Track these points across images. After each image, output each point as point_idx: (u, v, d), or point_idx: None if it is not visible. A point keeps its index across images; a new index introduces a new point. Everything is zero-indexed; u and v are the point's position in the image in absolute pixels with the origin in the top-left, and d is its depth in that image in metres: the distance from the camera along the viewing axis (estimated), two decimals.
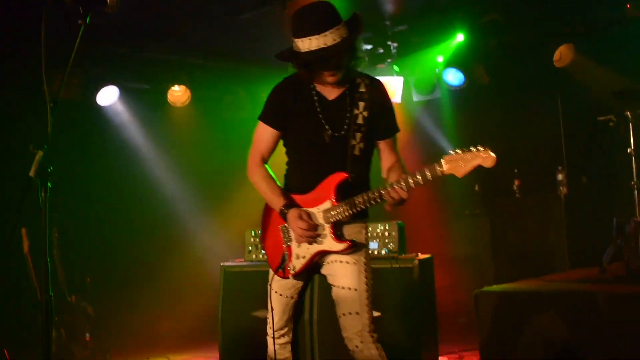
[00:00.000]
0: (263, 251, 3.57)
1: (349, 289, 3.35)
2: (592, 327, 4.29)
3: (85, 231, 7.42)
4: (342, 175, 3.33)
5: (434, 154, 8.34)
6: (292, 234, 3.40)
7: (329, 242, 3.35)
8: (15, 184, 3.23)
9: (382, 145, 3.49)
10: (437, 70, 7.82)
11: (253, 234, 5.76)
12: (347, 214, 3.30)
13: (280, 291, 3.52)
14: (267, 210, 3.55)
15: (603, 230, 6.76)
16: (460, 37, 7.31)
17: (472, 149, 3.04)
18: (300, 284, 3.51)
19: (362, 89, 3.39)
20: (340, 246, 3.34)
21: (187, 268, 7.97)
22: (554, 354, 4.44)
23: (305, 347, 5.24)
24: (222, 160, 8.28)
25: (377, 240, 5.31)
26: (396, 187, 3.15)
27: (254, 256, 5.72)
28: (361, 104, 3.36)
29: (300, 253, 3.39)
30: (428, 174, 3.11)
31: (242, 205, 7.79)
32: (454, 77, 7.65)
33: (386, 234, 5.31)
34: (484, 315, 4.76)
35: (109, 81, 7.41)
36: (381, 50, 7.60)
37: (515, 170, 7.60)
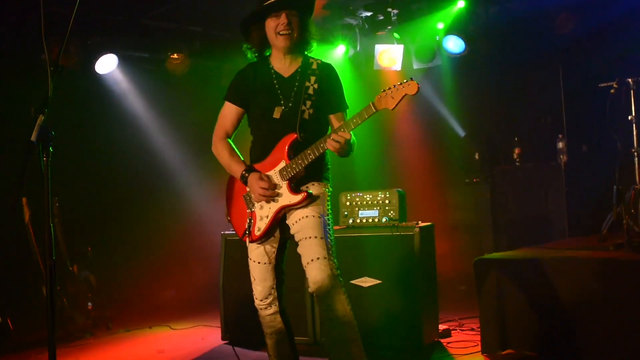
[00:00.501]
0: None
1: (311, 237, 3.57)
2: (592, 294, 4.29)
3: (86, 200, 7.44)
4: (292, 136, 3.63)
5: (435, 123, 8.38)
6: (255, 197, 3.65)
7: (287, 197, 3.62)
8: (16, 150, 3.24)
9: (333, 118, 3.78)
10: (437, 37, 7.76)
11: None
12: (300, 167, 3.58)
13: (257, 259, 3.75)
14: (230, 184, 3.84)
15: (603, 198, 6.77)
16: (461, 4, 7.25)
17: (397, 84, 3.44)
18: (274, 248, 3.74)
19: (314, 67, 3.75)
20: (297, 197, 3.61)
21: (188, 237, 8.00)
22: (553, 321, 4.46)
23: (307, 321, 5.29)
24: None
25: (378, 208, 5.32)
26: (339, 130, 3.49)
27: None
28: (312, 78, 3.70)
29: (264, 214, 3.66)
30: (364, 113, 3.47)
31: None
32: (454, 45, 7.60)
33: (387, 201, 5.33)
34: (484, 282, 4.77)
35: (107, 49, 7.35)
36: (381, 17, 7.54)
37: (516, 139, 7.60)
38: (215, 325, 6.09)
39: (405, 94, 3.40)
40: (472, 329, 5.56)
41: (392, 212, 5.30)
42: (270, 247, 3.73)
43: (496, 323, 4.72)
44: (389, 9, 7.45)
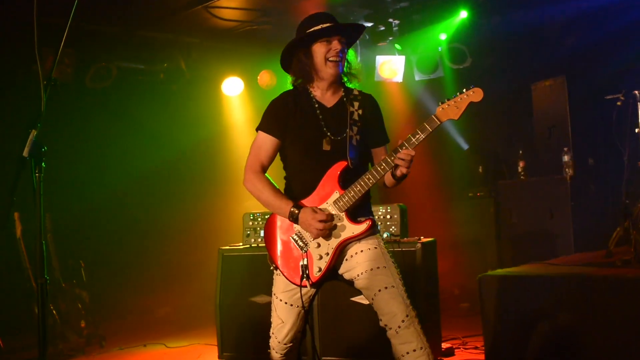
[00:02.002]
0: (276, 268, 3.53)
1: (378, 268, 3.39)
2: (598, 312, 4.28)
3: (79, 216, 7.44)
4: (342, 164, 3.44)
5: (437, 135, 8.36)
6: (308, 237, 3.42)
7: (348, 228, 3.41)
8: (7, 165, 3.23)
9: (377, 151, 3.64)
10: (439, 48, 7.79)
11: (251, 217, 5.79)
12: (358, 195, 3.38)
13: (290, 301, 3.50)
14: (270, 226, 3.55)
15: (610, 213, 6.77)
16: (463, 14, 7.28)
17: (459, 92, 3.33)
18: (312, 291, 3.50)
19: (356, 93, 3.62)
20: (362, 227, 3.41)
21: (184, 253, 8.00)
22: (559, 339, 4.44)
23: (306, 339, 5.26)
24: (221, 142, 8.29)
25: (379, 223, 5.32)
26: (400, 148, 3.30)
27: (252, 240, 5.75)
28: (356, 103, 3.56)
29: (322, 251, 3.41)
30: (427, 126, 3.30)
31: (240, 188, 7.79)
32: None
33: (388, 216, 5.33)
34: (488, 300, 4.76)
35: (102, 61, 7.38)
36: (382, 28, 7.58)
37: (520, 152, 7.59)
38: (212, 343, 6.06)
39: (470, 102, 3.30)
40: (476, 348, 5.54)
41: (393, 227, 5.30)
42: (307, 290, 3.46)
43: (500, 341, 4.70)
44: (390, 20, 7.48)
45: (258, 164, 3.53)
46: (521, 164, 7.52)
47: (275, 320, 3.55)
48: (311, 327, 5.21)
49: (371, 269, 3.38)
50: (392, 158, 3.32)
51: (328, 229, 3.38)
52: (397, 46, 7.86)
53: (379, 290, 3.35)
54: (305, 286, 3.40)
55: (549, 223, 7.06)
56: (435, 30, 7.64)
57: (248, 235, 5.78)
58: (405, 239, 5.26)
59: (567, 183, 6.96)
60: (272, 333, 3.58)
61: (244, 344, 5.54)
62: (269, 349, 3.64)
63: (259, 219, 5.77)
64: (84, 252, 7.12)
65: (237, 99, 8.47)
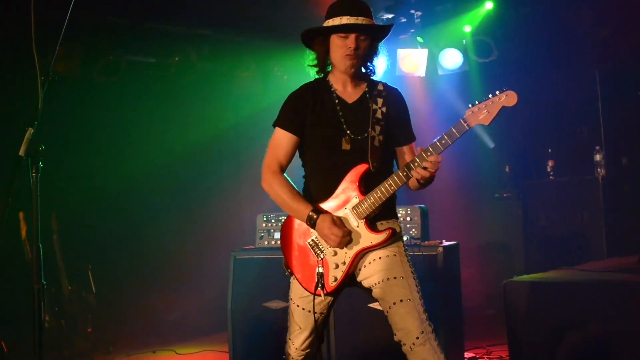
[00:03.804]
0: (291, 272, 3.49)
1: (395, 278, 3.33)
2: (632, 321, 4.22)
3: (87, 216, 7.45)
4: (363, 167, 3.38)
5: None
6: (324, 244, 3.38)
7: (366, 237, 3.36)
8: (4, 164, 3.21)
9: (404, 149, 3.57)
10: (464, 41, 7.72)
11: (265, 219, 5.76)
12: (379, 202, 3.33)
13: (307, 307, 3.46)
14: (287, 228, 3.52)
15: None
16: (489, 5, 7.23)
17: (491, 95, 3.23)
18: (331, 297, 3.45)
19: (381, 88, 3.53)
20: (381, 237, 3.35)
21: (195, 255, 7.99)
22: (589, 351, 4.39)
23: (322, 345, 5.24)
24: (232, 140, 8.27)
25: None
26: (425, 155, 3.22)
27: (265, 242, 5.72)
28: (379, 100, 3.48)
29: (339, 260, 3.37)
30: (455, 131, 3.21)
31: (253, 188, 7.76)
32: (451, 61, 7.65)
33: (408, 219, 5.29)
34: (513, 307, 4.72)
35: (110, 55, 7.38)
36: (403, 20, 7.53)
37: (549, 150, 7.53)
38: (223, 350, 6.06)
39: (503, 107, 3.21)
40: (501, 357, 5.49)
41: (413, 230, 5.26)
42: (325, 297, 3.41)
43: (526, 352, 4.65)
44: (412, 11, 7.43)
45: (276, 163, 3.48)
46: (550, 163, 7.46)
47: (292, 326, 3.52)
48: (327, 333, 5.19)
49: (387, 279, 3.34)
50: (416, 164, 3.24)
51: (345, 242, 3.33)
52: (419, 39, 7.81)
53: (394, 303, 3.30)
54: (319, 295, 3.35)
55: (579, 226, 7.00)
56: (459, 22, 7.59)
57: (262, 238, 5.75)
58: (426, 242, 5.21)
59: (599, 183, 6.90)
60: (289, 339, 3.55)
61: (257, 351, 5.52)
62: (284, 355, 3.61)
63: (273, 221, 5.75)
64: (91, 254, 7.14)
65: (252, 94, 8.45)
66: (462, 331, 5.36)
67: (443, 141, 3.21)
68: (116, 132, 7.80)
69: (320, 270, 3.35)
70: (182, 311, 7.92)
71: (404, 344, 3.28)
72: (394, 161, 3.58)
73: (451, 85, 8.13)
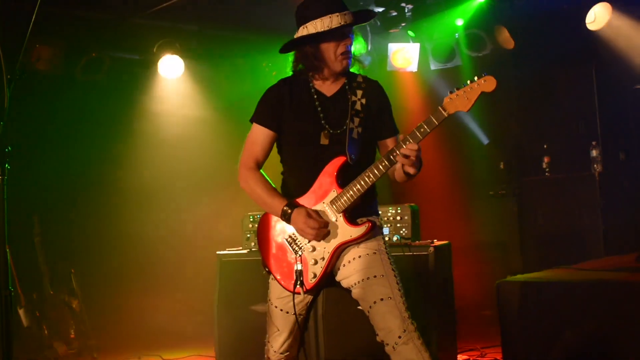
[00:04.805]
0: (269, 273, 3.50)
1: (375, 276, 3.29)
2: (629, 321, 4.19)
3: (70, 218, 7.40)
4: (341, 159, 3.37)
5: (454, 128, 8.30)
6: (303, 240, 3.36)
7: (345, 231, 3.33)
8: None
9: (383, 143, 3.56)
10: (456, 35, 7.68)
11: (252, 219, 5.72)
12: (357, 195, 3.31)
13: (285, 308, 3.44)
14: (263, 225, 3.51)
15: None
16: None
17: (469, 82, 3.24)
18: (309, 297, 3.45)
19: (360, 80, 3.53)
20: (360, 230, 3.32)
21: (180, 258, 7.95)
22: (585, 351, 4.36)
23: (310, 344, 5.21)
24: (219, 138, 8.21)
25: (388, 225, 5.25)
26: (403, 144, 3.22)
27: (252, 244, 5.68)
28: (359, 92, 3.48)
29: (318, 256, 3.35)
30: (433, 119, 3.22)
31: (240, 188, 7.72)
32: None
33: (398, 218, 5.25)
34: (507, 308, 4.69)
35: (93, 51, 7.33)
36: (394, 13, 7.46)
37: (545, 146, 7.50)
38: (210, 354, 6.05)
39: (482, 92, 3.21)
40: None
41: (403, 229, 5.22)
42: (306, 295, 3.42)
43: (521, 353, 4.62)
44: (403, 4, 7.37)
45: (252, 159, 3.49)
46: (546, 159, 7.43)
47: (271, 328, 3.51)
48: (316, 335, 5.16)
49: (367, 278, 3.30)
50: (395, 154, 3.24)
51: (322, 234, 3.31)
52: (411, 33, 7.76)
53: (374, 302, 3.26)
54: (299, 293, 3.34)
55: (577, 223, 6.97)
56: (451, 16, 7.53)
57: (248, 239, 5.72)
58: (417, 242, 5.18)
59: (596, 180, 6.88)
60: (268, 342, 3.53)
61: (244, 355, 5.50)
62: (265, 359, 3.59)
63: None
64: (74, 258, 7.10)
65: (239, 90, 8.40)
66: (454, 333, 5.34)
67: (422, 129, 3.21)
68: (100, 130, 7.74)
69: (299, 267, 3.33)
70: (167, 315, 7.86)
71: (387, 344, 3.25)
72: (375, 155, 3.55)
73: (443, 80, 8.08)
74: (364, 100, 3.45)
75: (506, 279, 4.89)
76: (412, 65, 7.84)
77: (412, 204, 5.32)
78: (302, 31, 3.40)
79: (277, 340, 3.48)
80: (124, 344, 7.12)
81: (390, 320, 3.21)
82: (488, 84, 3.21)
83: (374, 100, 3.50)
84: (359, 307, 4.96)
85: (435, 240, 5.21)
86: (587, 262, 5.89)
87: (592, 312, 4.35)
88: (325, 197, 3.36)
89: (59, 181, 7.24)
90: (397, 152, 3.23)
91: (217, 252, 5.73)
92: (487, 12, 7.29)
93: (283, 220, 3.38)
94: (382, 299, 3.24)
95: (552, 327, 4.50)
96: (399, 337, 3.19)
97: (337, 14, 3.34)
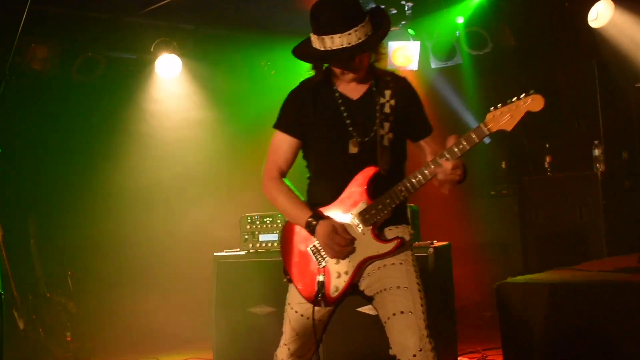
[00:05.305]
0: (290, 281, 3.39)
1: (398, 287, 3.18)
2: (632, 323, 4.16)
3: (66, 220, 7.39)
4: (372, 170, 3.23)
5: (455, 128, 8.26)
6: (328, 254, 3.26)
7: (372, 246, 3.22)
8: None
9: (422, 144, 3.44)
10: (457, 33, 7.68)
11: (249, 220, 5.71)
12: (388, 209, 3.20)
13: (305, 313, 3.34)
14: (287, 233, 3.41)
15: None
16: None
17: (515, 99, 3.08)
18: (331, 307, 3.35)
19: (388, 79, 3.35)
20: (388, 247, 3.21)
21: (177, 259, 7.93)
22: (587, 354, 4.34)
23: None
24: (217, 138, 8.21)
25: None
26: (439, 160, 3.11)
27: (250, 245, 5.67)
28: (387, 92, 3.30)
29: (342, 269, 3.24)
30: (474, 136, 3.10)
31: (237, 188, 7.72)
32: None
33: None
34: (507, 310, 4.67)
35: (89, 51, 7.32)
36: (394, 11, 7.49)
37: (547, 145, 7.47)
38: (208, 357, 6.02)
39: (528, 112, 3.07)
40: None
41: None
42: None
43: (522, 356, 4.60)
44: (403, 2, 7.39)
45: (275, 168, 3.38)
46: (548, 158, 7.41)
47: (288, 332, 3.40)
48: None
49: (390, 288, 3.19)
50: (430, 169, 3.13)
51: (347, 252, 3.21)
52: (411, 31, 7.77)
53: (394, 314, 3.15)
54: (320, 306, 3.23)
55: (578, 224, 6.94)
56: (451, 13, 7.55)
57: (246, 240, 5.71)
58: (416, 243, 5.15)
59: (598, 179, 6.84)
60: (285, 345, 3.42)
61: (241, 358, 5.52)
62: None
63: (258, 222, 5.70)
64: (70, 260, 7.09)
65: (237, 90, 8.39)
66: (455, 335, 5.32)
67: (460, 146, 3.10)
68: (96, 131, 7.73)
69: (322, 278, 3.22)
70: (164, 317, 7.86)
71: None
72: (406, 161, 3.43)
73: (443, 79, 8.08)
74: (392, 102, 3.30)
75: (506, 281, 4.86)
76: (413, 64, 7.85)
77: (411, 205, 5.28)
78: (314, 41, 3.23)
79: (294, 344, 3.39)
80: (120, 346, 7.11)
81: (407, 336, 3.10)
82: (535, 102, 3.06)
83: (403, 100, 3.34)
84: (359, 309, 5.00)
85: (435, 241, 5.19)
86: (588, 262, 5.86)
87: (594, 314, 4.32)
88: (353, 208, 3.24)
89: (54, 183, 7.22)
90: (432, 167, 3.12)
91: (215, 254, 5.72)
92: (488, 10, 7.29)
93: (308, 231, 3.26)
94: (402, 312, 3.13)
95: (553, 329, 4.48)
96: (414, 355, 3.07)
97: (340, 35, 3.11)
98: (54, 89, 7.21)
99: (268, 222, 5.66)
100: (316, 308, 3.27)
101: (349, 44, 3.12)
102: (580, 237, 6.89)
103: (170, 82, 7.99)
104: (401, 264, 3.23)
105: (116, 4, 7.08)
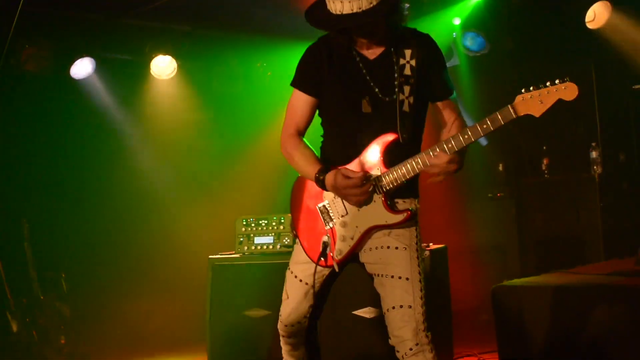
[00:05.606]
0: (297, 239, 3.42)
1: (399, 278, 3.19)
2: (628, 326, 4.18)
3: (59, 222, 7.37)
4: (390, 136, 3.19)
5: None
6: (336, 211, 3.26)
7: (381, 215, 3.19)
8: None
9: (440, 105, 3.36)
10: (454, 34, 7.67)
11: (244, 223, 5.70)
12: (402, 179, 3.16)
13: (300, 275, 3.37)
14: (298, 188, 3.42)
15: None
16: None
17: (549, 83, 3.01)
18: (326, 270, 3.34)
19: (408, 37, 3.27)
20: (398, 217, 3.18)
21: (172, 262, 7.92)
22: (582, 357, 4.34)
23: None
24: (211, 140, 8.22)
25: None
26: (461, 137, 3.06)
27: (245, 248, 5.67)
28: (407, 52, 3.23)
29: (348, 234, 3.24)
30: (499, 117, 3.03)
31: (232, 190, 7.73)
32: (473, 42, 7.50)
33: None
34: (503, 313, 4.69)
35: (83, 52, 7.32)
36: None
37: (544, 148, 7.48)
38: None
39: (559, 99, 3.02)
40: None
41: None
42: (322, 268, 3.32)
43: (518, 359, 4.61)
44: None
45: (293, 126, 3.37)
46: (545, 160, 7.42)
47: (283, 294, 3.45)
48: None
49: (392, 276, 3.20)
50: (450, 144, 3.08)
51: (367, 191, 3.14)
52: None
53: (393, 307, 3.19)
54: (323, 266, 3.26)
55: (576, 226, 6.95)
56: (448, 15, 7.53)
57: (241, 243, 5.70)
58: None
59: (596, 181, 6.86)
60: (279, 313, 3.48)
61: None
62: None
63: (253, 225, 5.70)
64: (65, 262, 7.07)
65: (233, 91, 8.38)
66: (450, 338, 5.33)
67: (485, 126, 3.04)
68: (90, 133, 7.73)
69: (327, 239, 3.24)
70: (159, 320, 7.86)
71: (398, 351, 3.21)
72: (424, 129, 3.37)
73: None
74: (413, 62, 3.21)
75: (502, 284, 4.90)
76: None
77: None
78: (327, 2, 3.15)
79: (285, 309, 3.43)
80: (115, 349, 7.09)
81: (405, 330, 3.15)
82: (568, 91, 3.01)
83: (425, 59, 3.24)
84: (355, 312, 5.02)
85: (431, 244, 5.21)
86: (585, 266, 5.88)
87: (590, 318, 4.33)
88: (369, 173, 3.19)
89: (48, 185, 7.22)
90: (453, 141, 3.07)
91: (209, 257, 5.71)
92: (485, 11, 7.28)
93: (319, 186, 3.25)
94: (401, 306, 3.17)
95: (549, 332, 4.49)
96: (410, 348, 3.13)
97: (344, 1, 3.05)
98: (48, 91, 7.20)
99: (263, 224, 5.66)
100: (317, 272, 3.28)
101: (359, 9, 3.06)
102: (577, 240, 6.91)
103: (165, 83, 7.97)
104: (405, 248, 3.22)
105: (111, 5, 7.07)
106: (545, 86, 3.01)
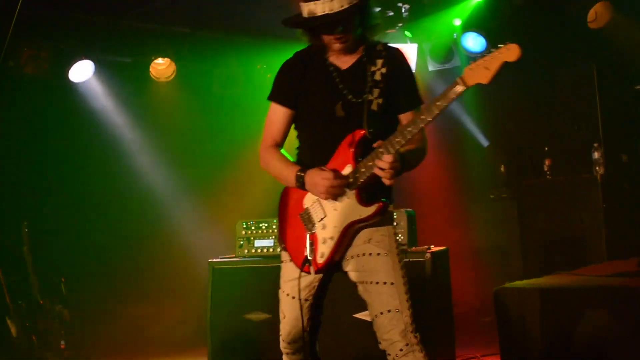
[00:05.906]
0: (281, 246, 3.50)
1: (384, 283, 3.25)
2: (631, 328, 4.17)
3: (60, 226, 7.39)
4: (359, 133, 3.26)
5: (453, 131, 8.28)
6: (316, 216, 3.31)
7: (355, 210, 3.23)
8: None
9: (403, 118, 3.40)
10: (454, 35, 7.68)
11: (245, 226, 5.71)
12: (372, 170, 3.18)
13: (292, 292, 3.41)
14: (283, 200, 3.48)
15: None
16: None
17: (492, 49, 3.04)
18: (315, 282, 3.39)
19: (380, 48, 3.39)
20: (370, 210, 3.21)
21: (172, 265, 7.95)
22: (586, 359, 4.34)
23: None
24: (211, 143, 8.22)
25: None
26: (418, 119, 3.09)
27: (245, 251, 5.68)
28: (379, 61, 3.34)
29: (327, 235, 3.29)
30: (449, 93, 3.05)
31: (232, 194, 7.73)
32: (474, 43, 7.51)
33: (394, 224, 5.22)
34: (506, 315, 4.66)
35: (83, 54, 7.33)
36: (391, 13, 7.48)
37: (546, 148, 7.47)
38: None
39: (504, 62, 3.00)
40: None
41: (400, 235, 5.20)
42: (311, 280, 3.37)
43: None
44: (400, 4, 7.38)
45: (270, 139, 3.47)
46: (547, 161, 7.40)
47: (280, 315, 3.49)
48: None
49: (376, 283, 3.26)
50: (410, 128, 3.11)
51: (338, 186, 3.21)
52: (408, 33, 7.77)
53: (381, 313, 3.25)
54: (308, 272, 3.29)
55: (578, 227, 6.94)
56: (449, 15, 7.54)
57: (241, 246, 5.70)
58: (413, 248, 5.16)
59: (598, 183, 6.84)
60: (280, 332, 3.51)
61: None
62: None
63: (253, 228, 5.70)
64: (64, 266, 7.08)
65: (233, 94, 8.39)
66: (453, 340, 5.32)
67: (438, 103, 3.05)
68: (90, 136, 7.74)
69: (310, 244, 3.28)
70: (159, 324, 7.87)
71: (389, 354, 3.26)
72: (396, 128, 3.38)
73: (441, 81, 8.07)
74: (384, 70, 3.31)
75: (504, 286, 4.87)
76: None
77: (408, 210, 5.30)
78: (302, 8, 3.29)
79: (284, 328, 3.46)
80: (115, 353, 7.09)
81: (394, 333, 3.21)
82: (511, 52, 2.99)
83: (394, 69, 3.35)
84: (356, 315, 5.01)
85: (432, 246, 5.19)
86: (588, 267, 5.87)
87: (592, 319, 4.32)
88: (341, 171, 3.26)
89: (48, 189, 7.23)
90: (412, 126, 3.10)
91: (209, 260, 5.71)
92: (486, 12, 7.29)
93: (298, 186, 3.32)
94: (389, 311, 3.22)
95: (551, 334, 4.48)
96: (401, 349, 3.20)
97: (322, 0, 3.17)
98: (47, 93, 7.21)
99: (263, 227, 5.67)
100: (304, 283, 3.34)
101: (331, 10, 3.18)
102: (580, 241, 6.89)
103: (165, 85, 7.98)
104: (386, 254, 3.29)
105: (111, 7, 7.08)
106: (487, 54, 3.03)
